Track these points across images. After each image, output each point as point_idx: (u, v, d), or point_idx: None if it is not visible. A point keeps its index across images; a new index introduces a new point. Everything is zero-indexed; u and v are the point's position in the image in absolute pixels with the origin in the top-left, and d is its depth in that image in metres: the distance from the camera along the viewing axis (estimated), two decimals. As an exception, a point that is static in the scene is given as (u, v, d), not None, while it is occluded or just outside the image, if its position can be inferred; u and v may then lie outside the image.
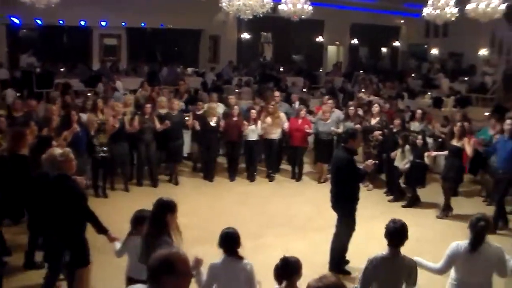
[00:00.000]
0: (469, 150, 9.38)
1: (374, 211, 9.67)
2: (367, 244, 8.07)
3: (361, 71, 23.91)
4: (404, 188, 10.45)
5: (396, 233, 4.63)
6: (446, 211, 9.71)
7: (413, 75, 23.94)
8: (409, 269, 4.67)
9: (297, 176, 12.07)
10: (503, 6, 13.26)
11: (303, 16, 14.58)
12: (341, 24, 26.94)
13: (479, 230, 4.67)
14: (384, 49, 31.01)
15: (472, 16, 13.52)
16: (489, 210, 9.70)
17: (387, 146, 10.71)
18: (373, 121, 11.48)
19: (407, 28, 29.31)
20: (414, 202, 10.25)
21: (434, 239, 8.35)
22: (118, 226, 6.08)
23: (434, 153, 10.27)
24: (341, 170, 7.21)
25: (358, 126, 11.29)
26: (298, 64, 26.81)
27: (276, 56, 27.57)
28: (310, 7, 14.25)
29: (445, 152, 9.90)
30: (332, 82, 19.63)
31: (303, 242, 8.26)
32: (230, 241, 4.78)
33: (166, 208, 4.69)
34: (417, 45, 29.82)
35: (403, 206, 10.22)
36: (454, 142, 9.51)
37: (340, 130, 11.14)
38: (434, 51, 28.63)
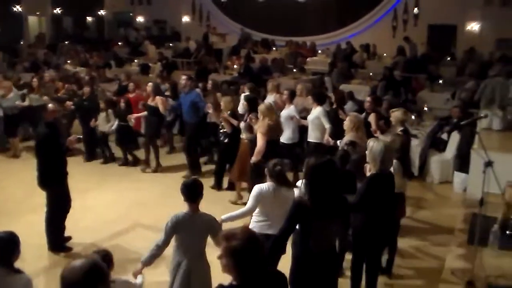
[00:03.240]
0: (161, 108, 10.16)
1: (89, 183, 9.61)
2: (85, 217, 8.02)
3: (66, 42, 23.10)
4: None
5: (188, 190, 4.79)
6: (157, 166, 10.47)
7: (120, 43, 23.96)
8: (209, 222, 4.84)
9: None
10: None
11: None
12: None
13: (278, 173, 5.48)
14: (89, 18, 30.29)
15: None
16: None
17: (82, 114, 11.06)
18: (60, 93, 11.64)
19: (112, -4, 29.08)
20: (134, 163, 10.78)
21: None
22: None
23: (134, 115, 10.63)
24: (41, 146, 7.04)
25: (45, 98, 11.25)
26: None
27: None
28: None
29: (145, 113, 10.45)
30: (35, 55, 18.59)
31: (18, 225, 7.76)
32: (3, 249, 3.94)
33: None
34: (122, 13, 29.82)
35: (120, 165, 10.76)
36: (150, 102, 10.27)
37: (26, 103, 11.06)
38: (140, 19, 29.01)
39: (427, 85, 15.19)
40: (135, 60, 19.24)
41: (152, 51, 21.79)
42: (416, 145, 9.84)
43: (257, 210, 5.51)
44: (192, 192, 4.80)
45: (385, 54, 20.19)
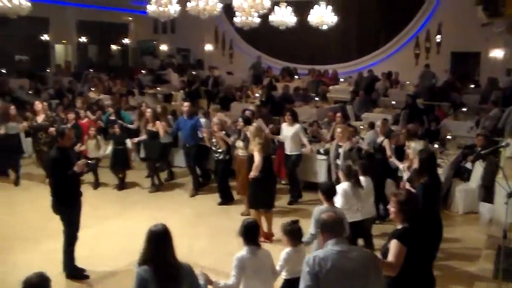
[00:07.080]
0: (161, 132, 10.84)
1: (109, 211, 9.57)
2: (100, 245, 7.95)
3: (91, 70, 23.40)
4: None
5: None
6: (158, 185, 11.02)
7: (143, 71, 24.14)
8: None
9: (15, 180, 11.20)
10: (220, 4, 14.13)
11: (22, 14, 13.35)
12: (67, 21, 25.93)
13: (355, 174, 7.35)
14: (114, 47, 30.74)
15: (195, 13, 14.05)
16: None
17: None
18: (40, 119, 11.19)
19: (136, 24, 29.49)
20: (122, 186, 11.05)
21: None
22: None
23: (136, 139, 11.32)
24: (52, 170, 7.17)
25: (24, 125, 11.24)
26: (23, 65, 25.02)
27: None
28: (29, 4, 12.91)
29: (144, 137, 11.09)
30: (61, 82, 18.82)
31: (34, 253, 7.74)
32: (251, 231, 5.05)
33: None
34: (146, 41, 30.22)
35: (114, 188, 10.99)
36: (150, 127, 10.87)
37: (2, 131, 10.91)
38: (163, 47, 29.35)
39: (450, 113, 15.02)
40: (158, 88, 19.36)
41: (175, 79, 21.92)
42: (439, 174, 9.66)
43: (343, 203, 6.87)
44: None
45: (407, 82, 20.05)
